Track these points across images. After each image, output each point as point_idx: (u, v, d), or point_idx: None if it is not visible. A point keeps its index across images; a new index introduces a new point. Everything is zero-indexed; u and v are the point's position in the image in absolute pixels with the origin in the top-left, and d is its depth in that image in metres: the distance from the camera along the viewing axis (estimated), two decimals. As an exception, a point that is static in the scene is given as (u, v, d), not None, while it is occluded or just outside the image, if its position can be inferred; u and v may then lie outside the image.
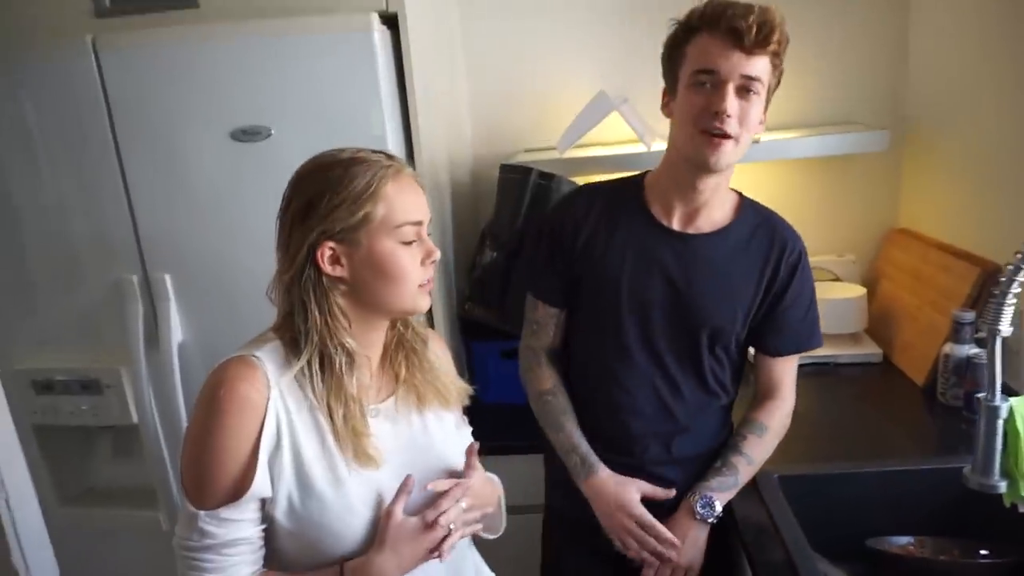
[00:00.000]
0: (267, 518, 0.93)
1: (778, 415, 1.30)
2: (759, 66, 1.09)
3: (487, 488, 1.08)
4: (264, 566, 0.94)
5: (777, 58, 1.11)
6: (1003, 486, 0.94)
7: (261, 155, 1.42)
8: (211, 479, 0.88)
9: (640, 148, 1.81)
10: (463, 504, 0.97)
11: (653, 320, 1.23)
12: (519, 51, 2.00)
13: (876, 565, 1.19)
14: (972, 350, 1.48)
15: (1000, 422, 0.92)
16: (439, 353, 1.13)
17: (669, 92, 1.20)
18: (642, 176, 1.30)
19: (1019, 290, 0.87)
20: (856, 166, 1.98)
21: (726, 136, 1.10)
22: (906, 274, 1.84)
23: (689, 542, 1.23)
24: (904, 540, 1.24)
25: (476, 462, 1.04)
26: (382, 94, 1.40)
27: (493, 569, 1.28)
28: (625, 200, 1.27)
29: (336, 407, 0.93)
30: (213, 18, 1.44)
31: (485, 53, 2.01)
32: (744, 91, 1.10)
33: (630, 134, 1.85)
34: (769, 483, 1.27)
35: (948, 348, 1.52)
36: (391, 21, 1.42)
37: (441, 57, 1.79)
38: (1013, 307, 0.88)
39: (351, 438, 0.93)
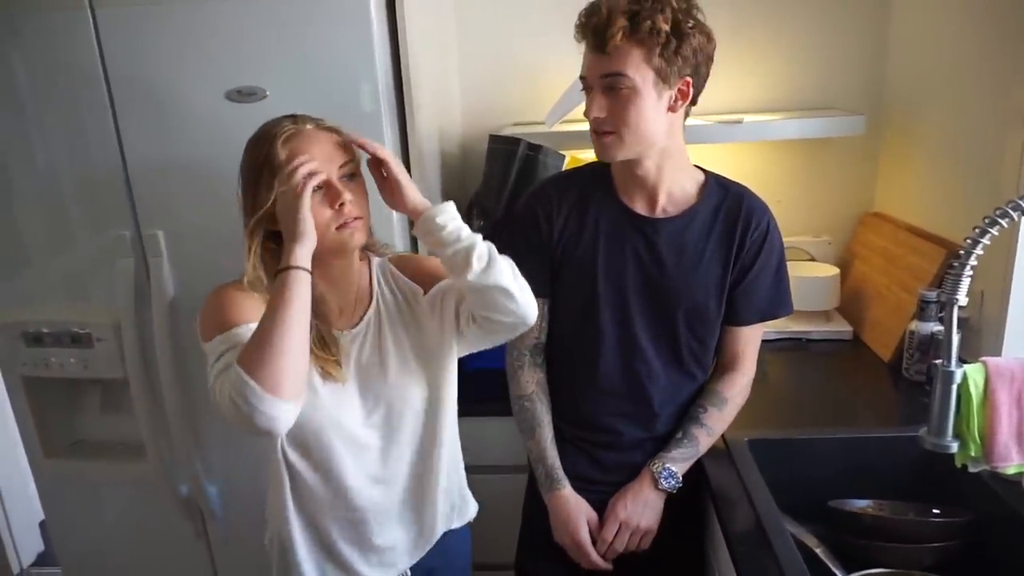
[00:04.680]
0: None
1: (738, 387, 1.33)
2: (617, 62, 1.11)
3: None
4: None
5: (652, 40, 1.09)
6: (955, 446, 1.00)
7: (256, 116, 1.40)
8: (224, 318, 1.05)
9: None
10: None
11: (629, 304, 1.27)
12: (510, 26, 2.03)
13: (837, 525, 1.25)
14: (936, 327, 1.54)
15: (954, 387, 0.98)
16: (410, 268, 1.23)
17: None
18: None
19: (976, 263, 0.93)
20: (834, 150, 2.04)
21: (607, 133, 1.16)
22: (878, 255, 1.91)
23: (649, 507, 1.28)
24: (863, 503, 1.31)
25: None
26: (376, 58, 1.42)
27: (474, 527, 1.35)
28: (595, 187, 1.30)
29: None
30: (210, -22, 1.45)
31: (477, 28, 2.03)
32: (609, 89, 1.14)
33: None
34: (739, 446, 1.33)
35: (914, 325, 1.58)
36: (387, -11, 1.44)
37: (434, 29, 1.81)
38: (969, 279, 0.93)
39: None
